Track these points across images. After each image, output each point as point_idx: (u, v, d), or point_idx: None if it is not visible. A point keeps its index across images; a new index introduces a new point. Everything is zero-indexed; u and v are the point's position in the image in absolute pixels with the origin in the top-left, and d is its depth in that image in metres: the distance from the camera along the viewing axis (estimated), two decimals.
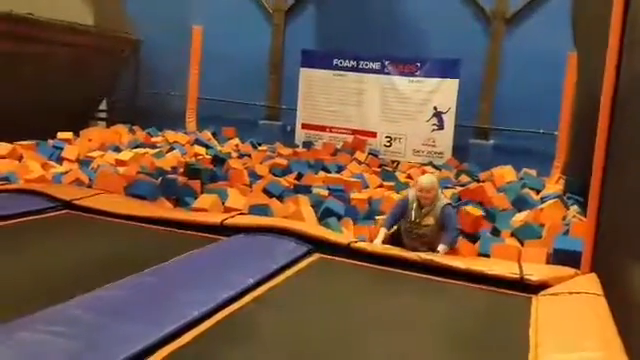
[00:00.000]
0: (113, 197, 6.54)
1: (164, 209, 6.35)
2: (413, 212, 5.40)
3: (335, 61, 11.08)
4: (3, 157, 7.93)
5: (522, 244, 5.68)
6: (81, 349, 2.96)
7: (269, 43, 12.09)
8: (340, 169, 9.02)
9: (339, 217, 6.25)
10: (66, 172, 7.44)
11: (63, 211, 6.10)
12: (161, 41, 11.96)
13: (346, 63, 11.03)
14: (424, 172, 8.75)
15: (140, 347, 3.06)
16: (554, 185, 8.47)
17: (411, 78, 10.58)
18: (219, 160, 8.66)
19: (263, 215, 6.10)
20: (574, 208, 6.59)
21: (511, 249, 5.46)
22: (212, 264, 4.72)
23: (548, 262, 5.18)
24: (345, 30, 11.35)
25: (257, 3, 12.12)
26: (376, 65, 10.80)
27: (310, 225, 5.83)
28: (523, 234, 5.88)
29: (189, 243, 5.22)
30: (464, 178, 9.01)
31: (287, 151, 10.14)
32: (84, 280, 4.01)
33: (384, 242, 5.39)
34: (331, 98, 11.13)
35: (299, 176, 8.16)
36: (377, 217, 6.26)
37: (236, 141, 10.75)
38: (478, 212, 6.16)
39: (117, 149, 9.00)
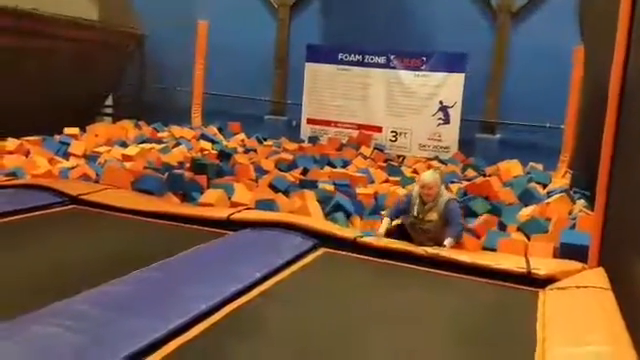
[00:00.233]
0: (120, 192, 6.57)
1: (171, 204, 6.38)
2: (416, 207, 5.39)
3: (340, 56, 11.04)
4: (10, 152, 7.98)
5: (528, 238, 5.66)
6: (88, 344, 2.98)
7: (274, 38, 12.09)
8: (346, 164, 9.00)
9: (348, 215, 6.24)
10: (73, 167, 7.48)
11: (70, 206, 6.14)
12: (166, 36, 11.95)
13: (351, 58, 10.98)
14: (430, 167, 8.74)
15: (147, 342, 3.07)
16: (560, 179, 8.45)
17: (417, 72, 10.54)
18: (225, 155, 8.67)
19: (269, 210, 6.12)
20: (581, 202, 6.56)
21: (518, 243, 5.44)
22: (218, 259, 4.73)
23: (555, 256, 5.16)
24: (350, 24, 11.33)
25: None
26: (381, 59, 10.76)
27: (316, 220, 5.83)
28: (529, 228, 5.86)
29: (196, 238, 5.23)
30: (470, 172, 9.00)
31: (293, 146, 10.13)
32: (91, 275, 4.03)
33: (388, 232, 5.39)
34: (336, 93, 11.11)
35: (305, 171, 8.16)
36: (383, 212, 6.25)
37: (242, 136, 10.77)
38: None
39: (123, 144, 9.03)
